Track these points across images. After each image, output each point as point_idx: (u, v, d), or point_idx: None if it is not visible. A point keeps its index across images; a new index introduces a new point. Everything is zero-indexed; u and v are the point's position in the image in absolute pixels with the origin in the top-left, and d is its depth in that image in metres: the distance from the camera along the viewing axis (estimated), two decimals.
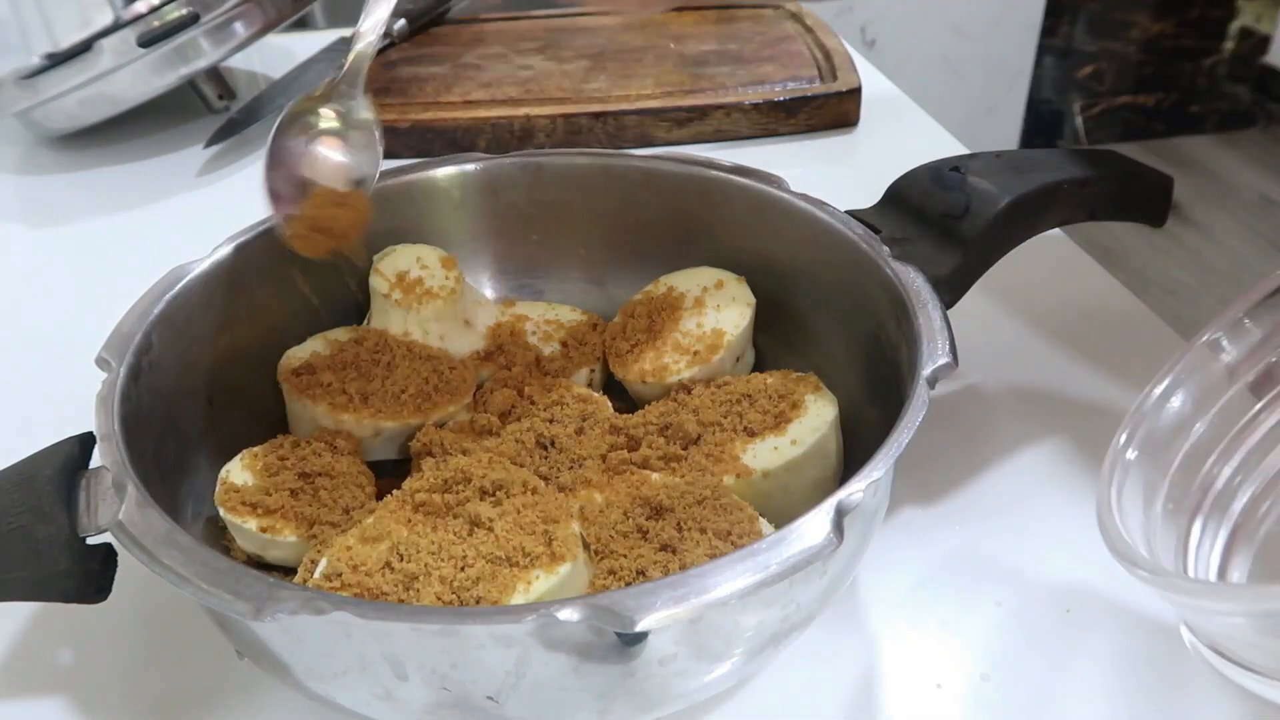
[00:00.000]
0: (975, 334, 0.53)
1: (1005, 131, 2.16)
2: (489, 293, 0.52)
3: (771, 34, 0.86)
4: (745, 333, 0.47)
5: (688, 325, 0.47)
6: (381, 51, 0.85)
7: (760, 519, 0.37)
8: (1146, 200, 0.50)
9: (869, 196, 0.47)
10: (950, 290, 0.41)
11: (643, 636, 0.29)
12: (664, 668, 0.31)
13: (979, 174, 0.44)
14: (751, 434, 0.41)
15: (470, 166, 0.50)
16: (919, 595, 0.41)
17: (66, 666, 0.39)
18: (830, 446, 0.41)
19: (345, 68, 0.47)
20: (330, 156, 0.46)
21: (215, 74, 0.80)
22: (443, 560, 0.33)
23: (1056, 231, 0.61)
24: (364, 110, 0.47)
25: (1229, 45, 2.40)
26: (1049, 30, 2.16)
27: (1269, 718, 0.36)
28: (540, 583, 0.33)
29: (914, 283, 0.40)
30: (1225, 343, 0.38)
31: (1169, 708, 0.37)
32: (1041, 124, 2.33)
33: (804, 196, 0.46)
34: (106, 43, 0.71)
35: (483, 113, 0.75)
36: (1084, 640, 0.39)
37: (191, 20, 0.72)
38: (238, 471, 0.41)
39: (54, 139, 0.81)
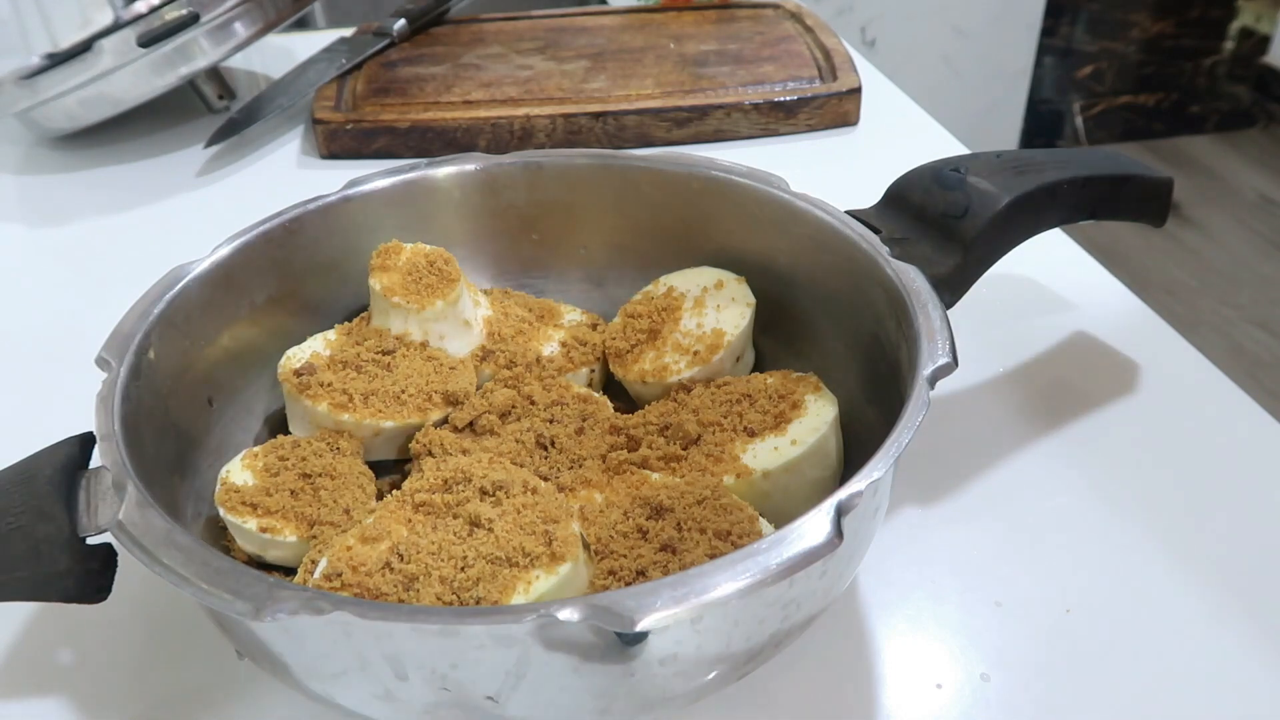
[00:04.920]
0: (975, 334, 0.53)
1: (1005, 131, 2.16)
2: None
3: (771, 34, 0.86)
4: (745, 333, 0.47)
5: (688, 325, 0.47)
6: (381, 51, 0.85)
7: (760, 519, 0.37)
8: (1146, 200, 0.49)
9: (869, 196, 0.47)
10: (950, 290, 0.41)
11: (643, 636, 0.29)
12: (664, 668, 0.31)
13: (979, 174, 0.44)
14: (751, 434, 0.41)
15: (470, 166, 0.50)
16: (919, 595, 0.41)
17: (66, 666, 0.39)
18: (830, 446, 0.41)
19: None
20: None
21: (215, 74, 0.80)
22: (443, 560, 0.33)
23: (1056, 231, 0.61)
24: None
25: (1229, 45, 2.40)
26: (1049, 30, 2.16)
27: None
28: (540, 583, 0.33)
29: (914, 283, 0.40)
30: None
31: (1167, 706, 0.37)
32: (1041, 124, 2.33)
33: (804, 196, 0.46)
34: (106, 43, 0.71)
35: (483, 113, 0.75)
36: (1084, 640, 0.39)
37: (191, 20, 0.72)
38: (238, 471, 0.41)
39: (54, 139, 0.81)
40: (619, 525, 0.37)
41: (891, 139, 0.77)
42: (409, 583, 0.33)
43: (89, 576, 0.33)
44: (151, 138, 0.81)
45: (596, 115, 0.75)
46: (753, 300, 0.47)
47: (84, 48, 0.71)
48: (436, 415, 0.44)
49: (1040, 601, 0.41)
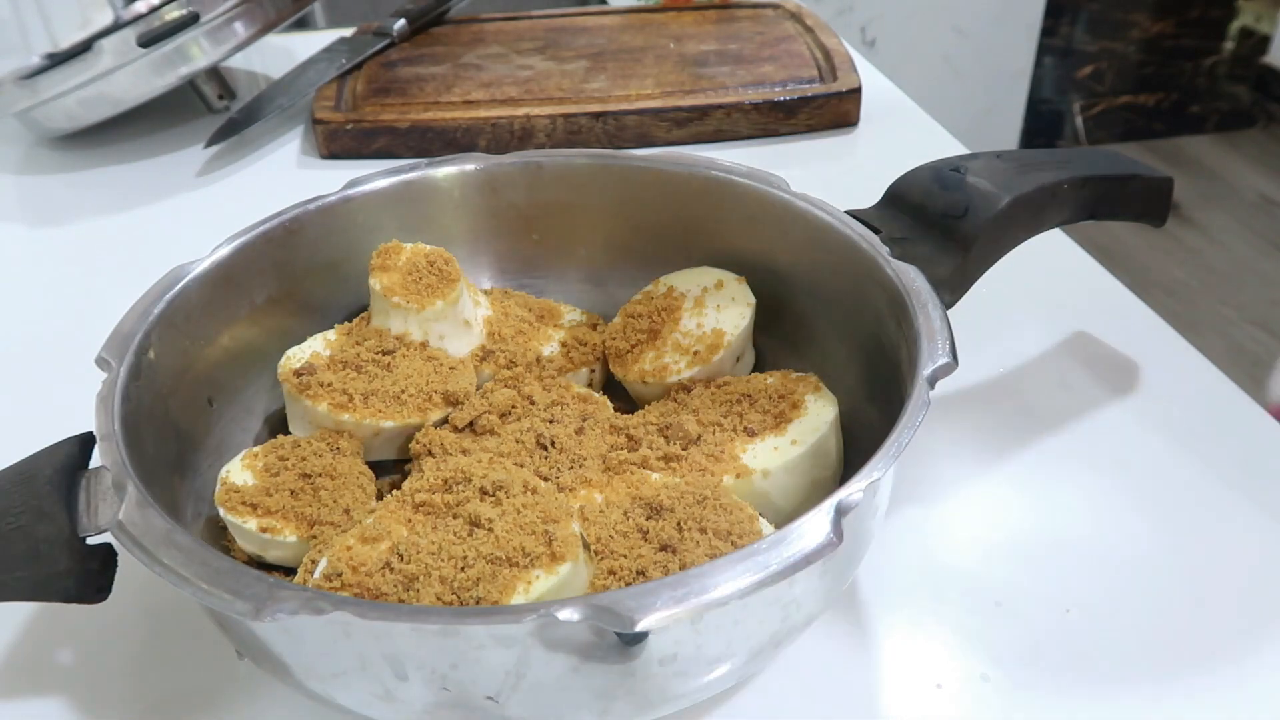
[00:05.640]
0: (976, 334, 0.53)
1: (1005, 131, 2.16)
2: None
3: (771, 34, 0.86)
4: (745, 333, 0.47)
5: (688, 325, 0.47)
6: (381, 51, 0.85)
7: (760, 519, 0.37)
8: (1146, 200, 0.50)
9: (869, 196, 0.47)
10: (950, 290, 0.41)
11: (643, 636, 0.29)
12: (664, 668, 0.31)
13: (979, 174, 0.44)
14: (751, 434, 0.41)
15: (470, 166, 0.50)
16: (919, 595, 0.41)
17: (66, 666, 0.39)
18: (830, 446, 0.41)
19: None
20: None
21: (215, 74, 0.80)
22: (443, 560, 0.33)
23: (1056, 231, 0.61)
24: None
25: (1229, 45, 2.40)
26: (1049, 30, 2.16)
27: None
28: (540, 583, 0.33)
29: (914, 283, 0.40)
30: None
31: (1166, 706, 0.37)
32: (1041, 124, 2.33)
33: (804, 196, 0.46)
34: (106, 43, 0.71)
35: (483, 113, 0.75)
36: (1084, 640, 0.39)
37: (191, 20, 0.72)
38: (238, 471, 0.41)
39: (54, 139, 0.81)
40: (619, 525, 0.37)
41: (891, 139, 0.77)
42: (409, 583, 0.33)
43: (89, 576, 0.33)
44: (151, 138, 0.81)
45: (596, 115, 0.75)
46: (753, 300, 0.47)
47: (84, 48, 0.71)
48: (436, 415, 0.44)
49: (1040, 601, 0.41)
